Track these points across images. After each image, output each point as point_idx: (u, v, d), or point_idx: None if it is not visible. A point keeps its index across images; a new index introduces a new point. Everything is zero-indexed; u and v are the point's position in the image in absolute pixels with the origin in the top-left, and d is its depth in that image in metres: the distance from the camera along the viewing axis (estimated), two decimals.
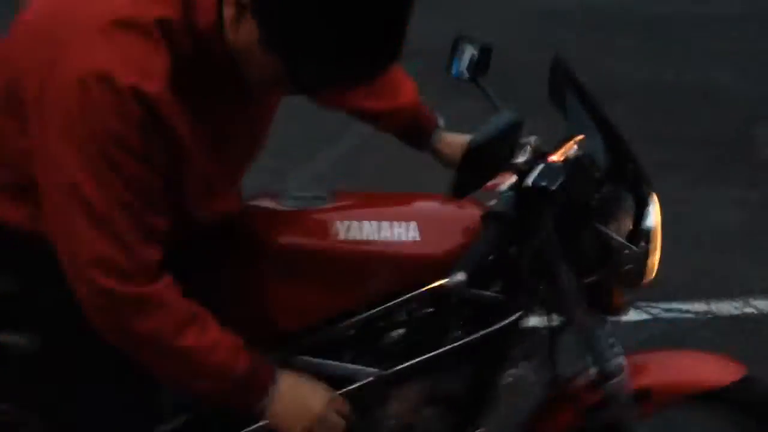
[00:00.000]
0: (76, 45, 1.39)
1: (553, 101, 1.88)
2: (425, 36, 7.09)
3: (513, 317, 1.79)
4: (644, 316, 3.36)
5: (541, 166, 1.67)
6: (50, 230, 1.48)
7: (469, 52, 1.95)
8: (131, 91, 1.37)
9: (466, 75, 1.95)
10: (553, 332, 1.87)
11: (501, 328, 1.79)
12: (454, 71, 1.98)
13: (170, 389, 1.73)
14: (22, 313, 1.67)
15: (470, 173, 1.56)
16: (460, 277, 1.55)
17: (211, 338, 1.56)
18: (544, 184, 1.64)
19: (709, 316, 3.55)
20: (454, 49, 1.99)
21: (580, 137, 1.76)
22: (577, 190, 1.69)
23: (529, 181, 1.65)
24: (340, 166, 4.58)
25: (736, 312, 3.55)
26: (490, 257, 1.69)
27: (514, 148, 1.68)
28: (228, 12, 1.40)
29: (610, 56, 7.71)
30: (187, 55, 1.44)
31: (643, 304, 3.10)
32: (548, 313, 1.85)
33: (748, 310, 3.56)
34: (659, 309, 3.49)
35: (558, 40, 8.40)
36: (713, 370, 1.93)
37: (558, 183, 1.63)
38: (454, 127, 2.11)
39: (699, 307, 3.57)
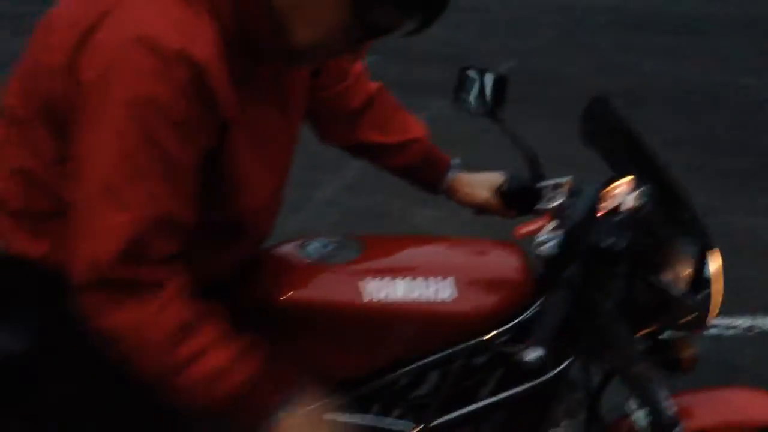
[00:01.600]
0: (117, 12, 1.30)
1: (587, 140, 1.75)
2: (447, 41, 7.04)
3: (554, 372, 1.68)
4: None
5: (606, 222, 1.57)
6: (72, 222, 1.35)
7: (479, 84, 1.83)
8: (178, 54, 1.26)
9: (481, 110, 1.83)
10: (598, 388, 1.77)
11: (542, 382, 1.68)
12: (466, 106, 1.86)
13: None
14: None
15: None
16: (539, 352, 1.45)
17: (203, 346, 1.39)
18: (611, 243, 1.52)
19: (754, 331, 3.44)
20: (462, 81, 1.86)
21: (628, 179, 1.64)
22: (641, 244, 1.57)
23: (594, 240, 1.53)
24: (369, 176, 4.51)
25: None
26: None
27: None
28: None
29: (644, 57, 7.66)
30: (228, 28, 1.35)
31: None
32: (594, 361, 1.74)
33: None
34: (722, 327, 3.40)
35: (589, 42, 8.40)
36: (764, 406, 1.84)
37: (627, 241, 1.52)
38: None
39: (743, 322, 3.45)
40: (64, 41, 1.34)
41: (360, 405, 1.69)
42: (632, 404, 1.72)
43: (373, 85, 1.89)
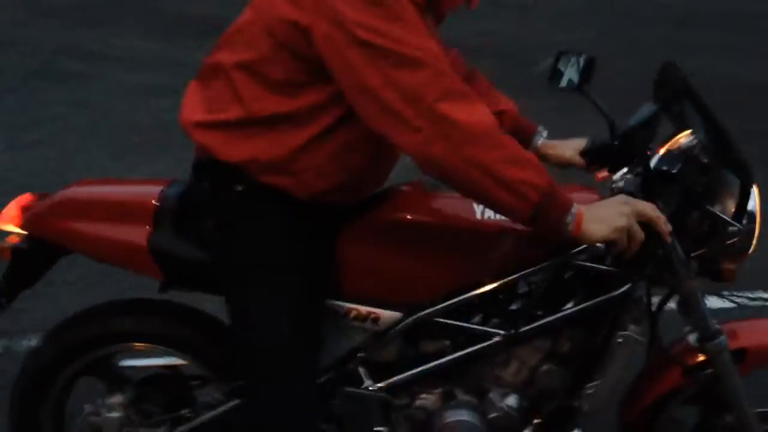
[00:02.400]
0: None
1: (658, 98, 2.07)
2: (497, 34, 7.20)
3: (625, 288, 2.03)
4: (729, 305, 3.32)
5: (660, 154, 1.93)
6: (381, 102, 1.74)
7: (572, 64, 2.15)
8: None
9: (574, 85, 2.15)
10: (660, 302, 2.10)
11: (614, 296, 2.02)
12: (561, 83, 2.18)
13: None
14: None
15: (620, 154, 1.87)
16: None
17: (521, 155, 1.79)
18: (665, 168, 1.90)
19: None
20: (557, 62, 2.19)
21: (687, 132, 2.00)
22: (691, 173, 1.93)
23: (652, 164, 1.89)
24: None
25: None
26: None
27: (655, 134, 1.92)
28: None
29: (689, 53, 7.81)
30: None
31: (727, 293, 3.10)
32: (655, 284, 2.06)
33: None
34: (744, 298, 3.57)
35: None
36: None
37: (678, 167, 1.89)
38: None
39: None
40: None
41: (462, 313, 2.07)
42: (686, 328, 2.03)
43: (468, 66, 2.27)
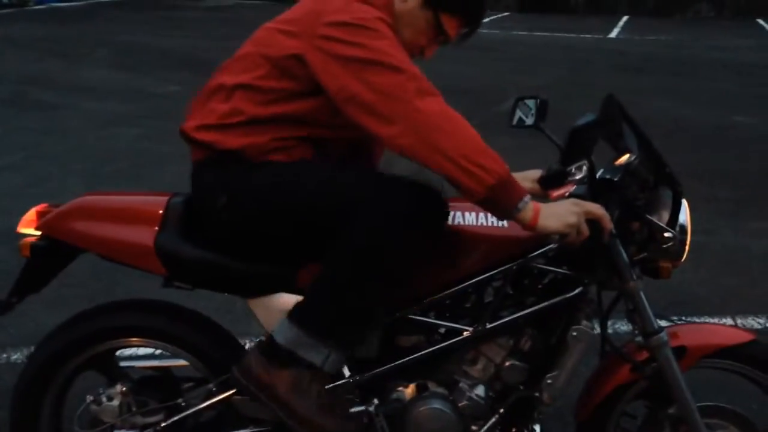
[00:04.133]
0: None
1: (601, 127, 2.29)
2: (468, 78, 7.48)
3: (578, 290, 2.27)
4: None
5: (605, 168, 2.21)
6: (364, 105, 2.06)
7: (528, 106, 2.45)
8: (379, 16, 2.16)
9: (530, 123, 2.42)
10: (609, 305, 2.36)
11: (568, 297, 2.27)
12: (517, 122, 2.46)
13: None
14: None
15: (569, 156, 2.11)
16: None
17: (482, 146, 2.05)
18: (608, 176, 2.17)
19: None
20: (516, 106, 2.48)
21: (628, 155, 2.26)
22: (631, 186, 2.22)
23: (598, 175, 2.17)
24: None
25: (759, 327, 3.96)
26: None
27: (596, 139, 2.15)
28: None
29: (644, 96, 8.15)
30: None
31: (676, 318, 3.32)
32: (604, 287, 2.32)
33: None
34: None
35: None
36: (730, 334, 2.44)
37: (619, 176, 2.16)
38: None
39: (727, 323, 3.97)
40: None
41: (433, 311, 2.31)
42: (634, 330, 2.32)
43: None
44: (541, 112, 2.39)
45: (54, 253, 2.36)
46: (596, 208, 2.10)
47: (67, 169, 6.08)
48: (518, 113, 2.45)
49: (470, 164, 2.03)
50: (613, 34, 15.49)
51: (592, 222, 2.10)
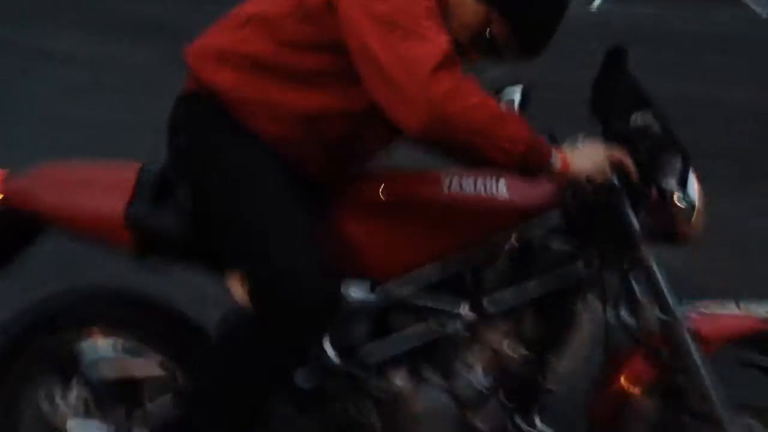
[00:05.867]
0: None
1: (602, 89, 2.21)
2: None
3: (581, 261, 2.14)
4: None
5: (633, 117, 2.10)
6: (382, 69, 1.94)
7: (514, 93, 2.31)
8: None
9: (515, 110, 2.30)
10: (621, 278, 2.21)
11: (572, 270, 2.14)
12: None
13: None
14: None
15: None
16: None
17: (503, 113, 2.03)
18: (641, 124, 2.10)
19: None
20: (498, 93, 2.33)
21: (643, 110, 2.14)
22: (645, 141, 2.12)
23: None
24: None
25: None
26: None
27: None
28: None
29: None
30: None
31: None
32: (611, 262, 2.18)
33: None
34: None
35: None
36: (744, 323, 2.30)
37: (636, 128, 2.10)
38: None
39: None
40: None
41: (428, 294, 2.17)
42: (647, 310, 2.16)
43: None
44: (527, 99, 2.28)
45: (14, 224, 2.18)
46: (621, 153, 2.08)
47: (31, 137, 5.84)
48: (506, 100, 2.29)
49: (498, 137, 1.97)
50: (594, 6, 15.39)
51: (617, 166, 2.07)
